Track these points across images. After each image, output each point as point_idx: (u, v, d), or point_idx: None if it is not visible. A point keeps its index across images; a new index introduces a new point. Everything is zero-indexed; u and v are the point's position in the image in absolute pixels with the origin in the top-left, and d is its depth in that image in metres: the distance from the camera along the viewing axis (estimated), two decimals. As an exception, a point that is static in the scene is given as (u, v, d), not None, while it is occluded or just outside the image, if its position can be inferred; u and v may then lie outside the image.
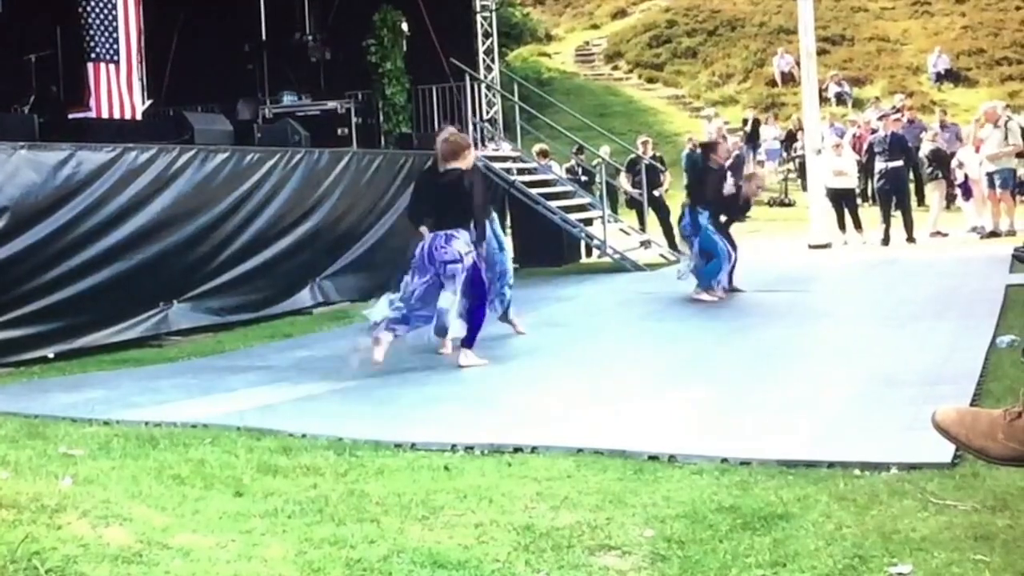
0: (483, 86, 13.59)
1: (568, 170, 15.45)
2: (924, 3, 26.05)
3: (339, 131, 12.22)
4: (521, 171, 13.50)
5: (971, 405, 4.45)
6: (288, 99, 12.88)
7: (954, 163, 14.23)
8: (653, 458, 3.89)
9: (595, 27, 28.76)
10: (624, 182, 14.32)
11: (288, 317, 9.19)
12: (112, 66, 8.71)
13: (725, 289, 8.94)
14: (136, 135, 8.49)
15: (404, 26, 12.63)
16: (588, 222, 12.89)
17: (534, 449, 4.10)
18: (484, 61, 13.84)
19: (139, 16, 9.38)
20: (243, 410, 5.06)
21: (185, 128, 8.90)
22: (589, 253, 13.81)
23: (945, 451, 3.50)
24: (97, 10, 8.64)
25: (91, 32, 8.83)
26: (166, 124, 9.82)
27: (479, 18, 13.91)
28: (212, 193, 8.62)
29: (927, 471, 3.52)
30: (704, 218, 8.96)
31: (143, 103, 9.79)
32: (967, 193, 14.03)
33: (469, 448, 4.17)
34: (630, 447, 4.02)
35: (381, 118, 12.59)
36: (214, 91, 12.65)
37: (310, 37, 13.28)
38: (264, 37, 13.69)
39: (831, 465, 3.67)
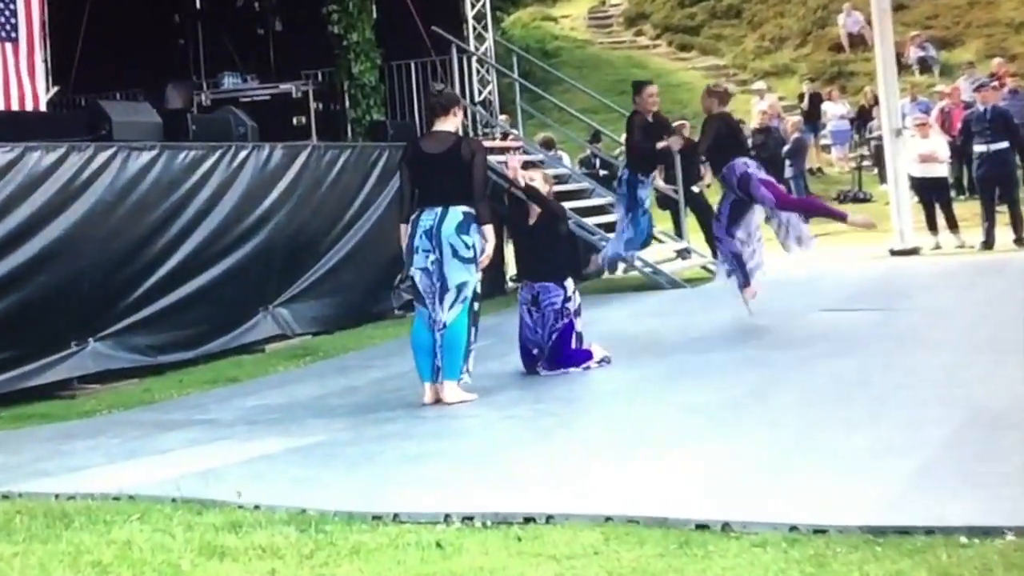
0: (474, 60, 13.64)
1: (582, 162, 15.51)
2: (1027, -58, 26.18)
3: (295, 120, 12.30)
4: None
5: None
6: (230, 81, 12.96)
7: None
8: (702, 527, 3.88)
9: (613, -18, 28.95)
10: (656, 177, 14.32)
11: (234, 356, 9.20)
12: (9, 45, 8.76)
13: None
14: (40, 130, 8.52)
15: (374, -12, 12.71)
16: (610, 228, 12.88)
17: (550, 519, 4.09)
18: (475, 29, 13.91)
19: (43, -18, 9.45)
20: (179, 476, 5.05)
21: (101, 121, 8.93)
22: (613, 267, 13.79)
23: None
24: (-12, -24, 8.72)
25: (-19, 4, 8.90)
26: (77, 116, 9.87)
27: (467, -24, 14.00)
28: (137, 202, 8.65)
29: (1052, 537, 3.49)
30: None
31: (47, 91, 9.83)
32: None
33: (467, 519, 4.16)
34: (672, 513, 4.02)
35: (347, 103, 12.63)
36: (137, 74, 12.73)
37: (257, 4, 13.35)
38: (199, 5, 13.77)
39: (929, 532, 3.65)
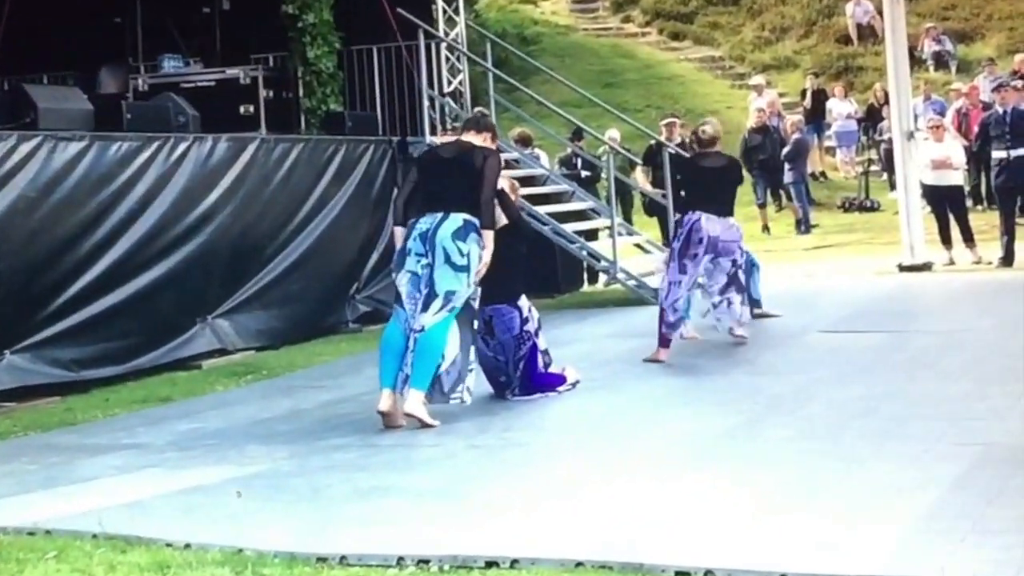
0: (443, 47, 13.68)
1: (562, 162, 15.56)
2: (1054, -73, 26.47)
3: (242, 109, 12.29)
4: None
5: None
6: (171, 65, 12.94)
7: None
8: (682, 574, 3.91)
9: (600, -37, 29.09)
10: (641, 180, 14.40)
11: (168, 373, 9.20)
12: (-80, 21, 8.71)
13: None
14: (-46, 118, 8.51)
15: (333, -37, 12.73)
16: (591, 235, 12.93)
17: (514, 563, 4.12)
18: (445, 13, 13.95)
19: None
20: (102, 509, 5.04)
21: (25, 107, 8.91)
22: (593, 279, 13.86)
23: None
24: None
25: None
26: (-1, 101, 9.82)
27: (438, -48, 14.03)
28: (63, 198, 8.64)
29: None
30: None
31: (-36, 72, 9.78)
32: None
33: (423, 562, 4.19)
34: (649, 559, 4.04)
35: (301, 91, 12.66)
36: (67, 55, 12.68)
37: (203, -21, 13.35)
38: (138, -20, 13.74)
39: (936, 585, 3.69)
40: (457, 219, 6.87)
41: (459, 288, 6.84)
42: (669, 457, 5.79)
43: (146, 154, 9.36)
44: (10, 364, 8.21)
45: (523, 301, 7.56)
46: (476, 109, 7.89)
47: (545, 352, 7.59)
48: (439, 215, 6.90)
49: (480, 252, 6.88)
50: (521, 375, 7.45)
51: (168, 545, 4.48)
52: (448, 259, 6.81)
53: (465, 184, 6.96)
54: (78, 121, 9.18)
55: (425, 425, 6.62)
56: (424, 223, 6.92)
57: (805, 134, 18.65)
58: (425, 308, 6.79)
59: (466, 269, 6.84)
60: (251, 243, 10.42)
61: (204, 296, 9.89)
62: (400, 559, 4.20)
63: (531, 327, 7.49)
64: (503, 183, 7.61)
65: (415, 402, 6.65)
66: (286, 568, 4.17)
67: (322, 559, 4.25)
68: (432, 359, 6.72)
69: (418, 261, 6.88)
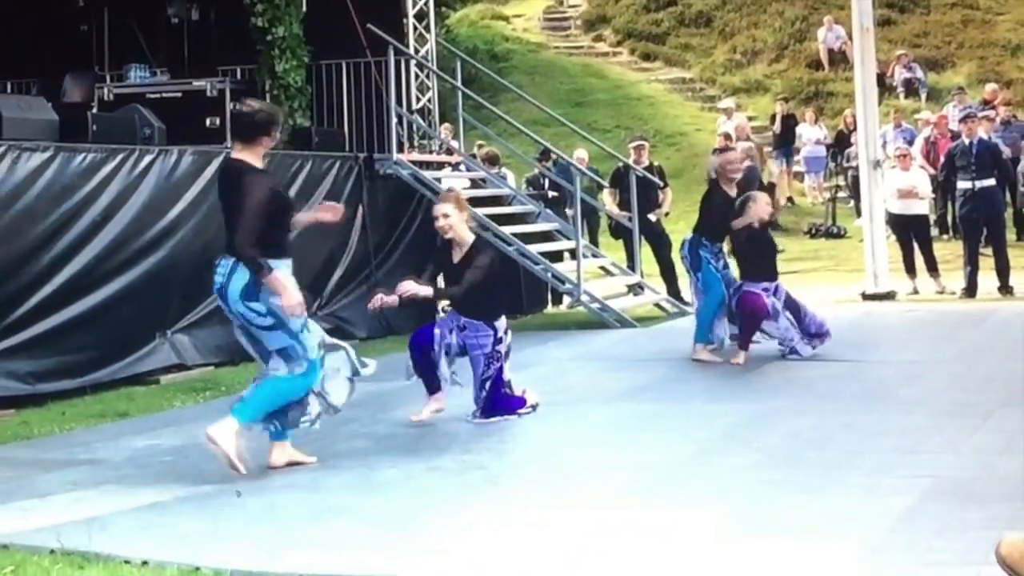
0: (412, 63, 13.78)
1: (529, 182, 15.68)
2: (1026, -42, 26.82)
3: (208, 122, 12.35)
4: (465, 183, 13.66)
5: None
6: (137, 75, 13.00)
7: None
8: (633, 602, 4.00)
9: (572, -20, 29.26)
10: (608, 201, 14.53)
11: (125, 387, 9.20)
12: None
13: (720, 344, 9.74)
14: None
15: (304, -22, 12.82)
16: (556, 257, 13.04)
17: (471, 587, 4.20)
18: (415, 29, 14.05)
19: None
20: (60, 525, 5.08)
21: (-12, 117, 8.93)
22: (557, 300, 13.96)
23: (1029, 596, 3.64)
24: None
25: None
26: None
27: (409, -31, 14.15)
28: (24, 209, 8.66)
29: (1005, 624, 3.66)
30: (707, 251, 9.75)
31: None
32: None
33: (380, 585, 4.25)
34: (603, 585, 4.13)
35: (268, 104, 12.69)
36: (31, 63, 12.70)
37: (171, -10, 13.42)
38: (105, -12, 13.79)
39: (876, 614, 3.80)
40: (241, 273, 6.11)
41: (287, 341, 6.21)
42: (629, 483, 5.85)
43: (110, 166, 9.38)
44: (-35, 375, 8.24)
45: (500, 322, 7.62)
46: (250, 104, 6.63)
47: (508, 381, 7.66)
48: (227, 263, 6.20)
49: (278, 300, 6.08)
50: (486, 397, 7.54)
51: (126, 562, 4.52)
52: (251, 324, 6.20)
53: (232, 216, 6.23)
54: (43, 131, 9.20)
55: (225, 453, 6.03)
56: (217, 275, 6.24)
57: (755, 163, 18.66)
58: (267, 362, 6.30)
59: (278, 322, 6.16)
60: (212, 257, 10.10)
61: (164, 310, 9.90)
62: (357, 582, 4.28)
63: (502, 348, 7.57)
64: (451, 217, 7.43)
65: (223, 432, 6.03)
66: (243, 587, 4.25)
67: (279, 578, 4.31)
68: (272, 399, 6.24)
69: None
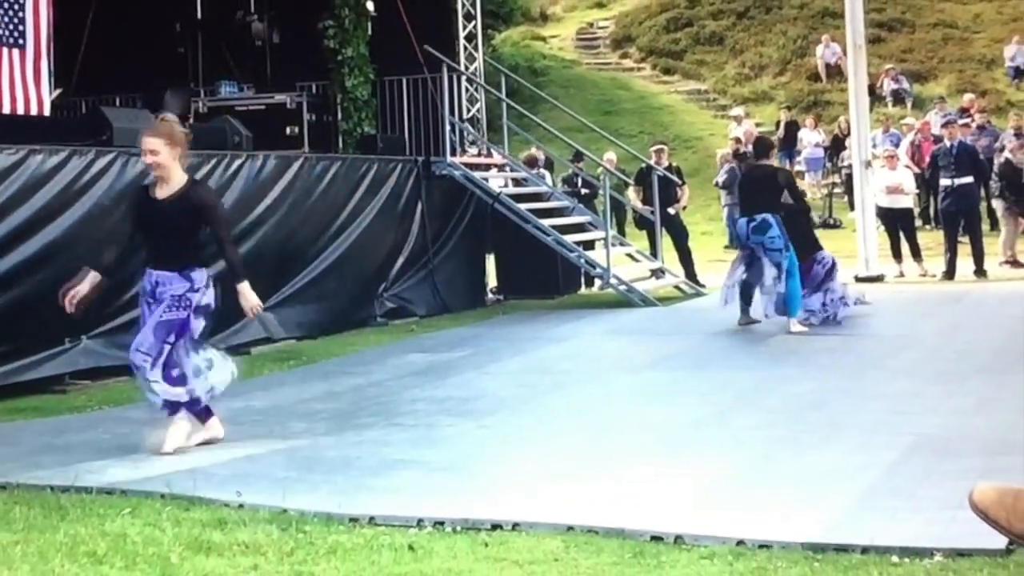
0: (463, 79, 13.83)
1: (565, 181, 15.70)
2: (1001, -18, 26.51)
3: (288, 130, 12.43)
4: (508, 182, 13.71)
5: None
6: (227, 90, 13.09)
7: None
8: (656, 539, 4.05)
9: (600, 6, 29.16)
10: (633, 197, 14.55)
11: (222, 357, 9.32)
12: (16, 52, 8.88)
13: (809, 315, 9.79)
14: (43, 134, 8.64)
15: (370, 5, 12.86)
16: (589, 245, 13.08)
17: (515, 526, 4.25)
18: (465, 49, 14.08)
19: (51, -11, 9.55)
20: (168, 474, 5.19)
21: (102, 126, 9.04)
22: (590, 283, 13.99)
23: (998, 536, 3.67)
24: (-3, -18, 8.84)
25: (-11, 10, 9.01)
26: (79, 121, 10.01)
27: (460, -3, 14.18)
28: (133, 206, 8.76)
29: (977, 559, 3.70)
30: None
31: (51, 94, 9.95)
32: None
33: (439, 524, 4.31)
34: (629, 525, 4.19)
35: (339, 115, 12.79)
36: (137, 79, 12.81)
37: (255, 16, 13.50)
38: (199, 15, 13.90)
39: (865, 550, 3.85)
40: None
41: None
42: (650, 441, 5.88)
43: (205, 169, 9.45)
44: (86, 348, 8.30)
45: (198, 274, 5.97)
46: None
47: (198, 344, 6.05)
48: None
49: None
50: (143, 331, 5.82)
51: (225, 505, 4.62)
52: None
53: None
54: (148, 139, 9.33)
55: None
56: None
57: (736, 165, 18.48)
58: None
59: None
60: (294, 247, 10.54)
61: (254, 291, 9.98)
62: (420, 521, 4.33)
63: (196, 298, 5.95)
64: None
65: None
66: (323, 526, 4.31)
67: (354, 519, 4.38)
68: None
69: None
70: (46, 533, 4.19)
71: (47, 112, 9.34)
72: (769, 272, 9.46)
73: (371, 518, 4.40)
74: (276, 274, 10.29)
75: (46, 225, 8.09)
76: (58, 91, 10.84)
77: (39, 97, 9.08)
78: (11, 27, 8.71)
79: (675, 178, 14.20)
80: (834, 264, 10.12)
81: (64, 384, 8.09)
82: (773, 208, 9.56)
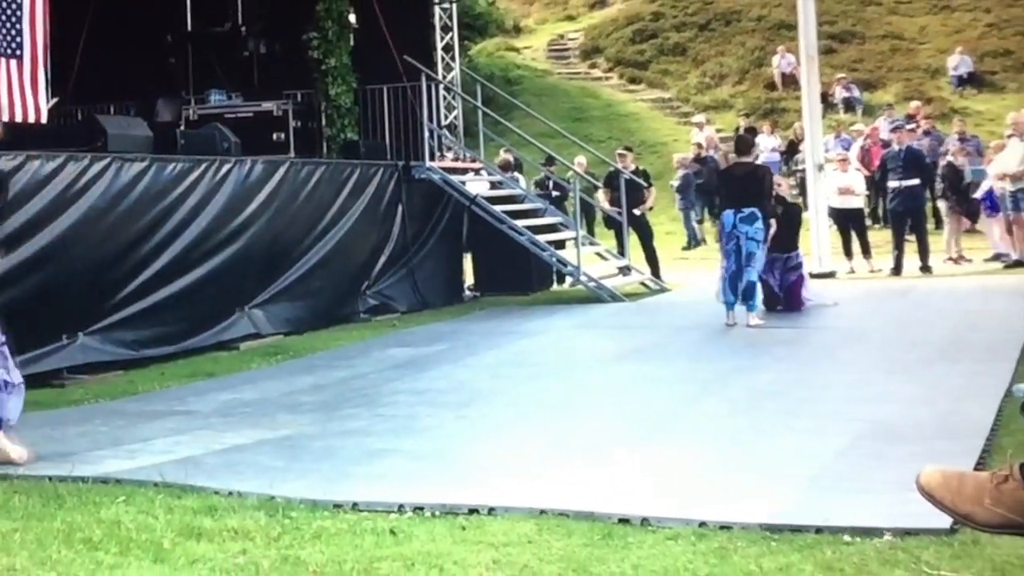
0: (441, 88, 13.80)
1: (537, 184, 15.70)
2: (944, -4, 26.70)
3: (275, 136, 12.38)
4: (485, 185, 13.70)
5: (978, 462, 4.70)
6: (216, 98, 13.02)
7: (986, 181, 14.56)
8: (624, 521, 4.05)
9: (570, 18, 29.17)
10: (603, 199, 14.56)
11: (211, 352, 9.27)
12: (14, 62, 8.78)
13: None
14: (40, 141, 8.57)
15: (352, 18, 12.82)
16: (560, 245, 13.09)
17: (491, 510, 4.24)
18: (443, 59, 14.07)
19: (47, 2, 9.45)
20: (161, 463, 5.16)
21: (97, 133, 8.99)
22: (561, 280, 14.01)
23: (943, 516, 3.69)
24: (-6, -6, 8.72)
25: (-12, 21, 8.89)
26: (75, 128, 9.93)
27: (437, 10, 14.16)
28: (127, 209, 8.72)
29: (923, 538, 3.72)
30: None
31: (48, 102, 9.85)
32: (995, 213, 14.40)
33: (418, 509, 4.30)
34: (599, 508, 4.18)
35: (323, 122, 12.74)
36: (130, 88, 12.75)
37: (243, 28, 13.42)
38: (189, 27, 13.81)
39: (819, 530, 3.86)
40: None
41: None
42: (618, 429, 5.88)
43: (195, 173, 9.42)
44: (83, 344, 8.26)
45: None
46: None
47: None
48: None
49: None
50: None
51: (215, 492, 4.60)
52: None
53: None
54: (140, 145, 9.25)
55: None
56: None
57: (690, 170, 18.54)
58: None
59: None
60: (281, 247, 10.50)
61: (241, 290, 9.95)
62: (400, 506, 4.32)
63: None
64: None
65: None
66: (309, 512, 4.29)
67: (338, 505, 4.37)
68: None
69: None
70: (44, 521, 4.16)
71: (44, 120, 9.24)
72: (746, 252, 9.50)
73: (354, 504, 4.38)
74: (264, 273, 10.26)
75: (44, 228, 8.03)
76: (55, 100, 10.73)
77: (36, 106, 8.96)
78: (9, 38, 8.60)
79: (641, 181, 14.22)
80: (801, 264, 10.21)
81: (62, 379, 8.03)
82: (760, 203, 9.53)
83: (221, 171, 9.74)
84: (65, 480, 4.87)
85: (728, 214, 9.63)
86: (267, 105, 12.58)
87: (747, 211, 9.49)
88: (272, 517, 4.21)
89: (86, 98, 12.46)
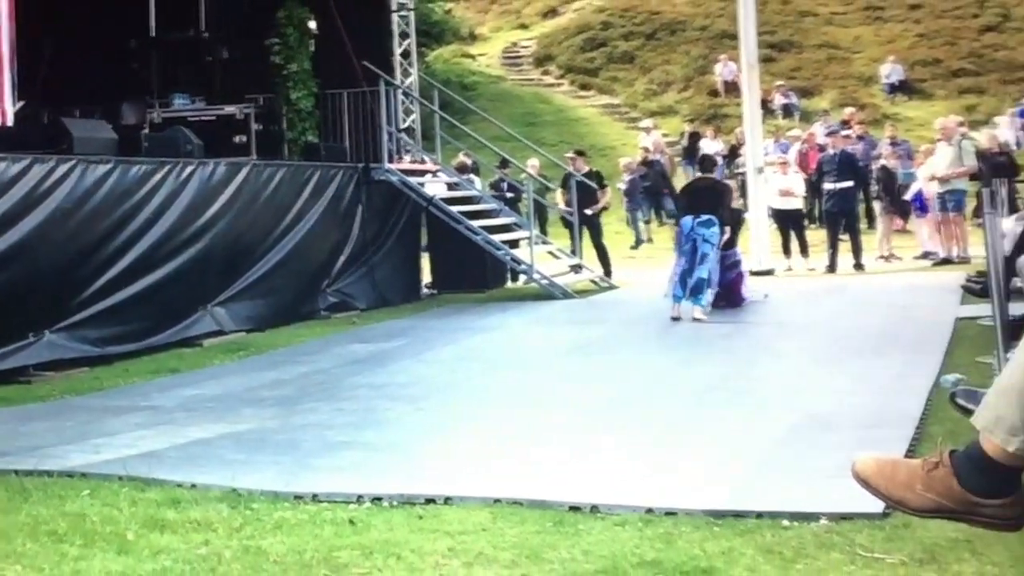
0: (399, 92, 13.74)
1: (492, 186, 15.70)
2: (877, 8, 27.04)
3: (237, 139, 12.24)
4: (442, 187, 13.66)
5: (909, 449, 4.76)
6: (180, 102, 12.84)
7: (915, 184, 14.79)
8: (575, 508, 4.06)
9: (523, 27, 29.18)
10: (559, 199, 14.60)
11: (175, 349, 9.16)
12: (-21, 65, 8.63)
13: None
14: (6, 143, 8.41)
15: (312, 24, 12.74)
16: (514, 244, 13.10)
17: (447, 500, 4.23)
18: (401, 65, 14.01)
19: (11, 5, 9.28)
20: (125, 457, 5.08)
21: (63, 136, 8.83)
22: (515, 278, 14.01)
23: (877, 501, 3.73)
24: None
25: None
26: (41, 131, 9.73)
27: (396, 17, 14.09)
28: (92, 210, 8.58)
29: (857, 522, 3.76)
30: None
31: (14, 105, 9.68)
32: (924, 214, 14.63)
33: (377, 499, 4.27)
34: (551, 497, 4.19)
35: (285, 125, 12.64)
36: (95, 92, 12.52)
37: (206, 34, 13.27)
38: (153, 32, 13.62)
39: (759, 516, 3.89)
40: None
41: None
42: (569, 420, 5.89)
43: (159, 175, 9.30)
44: (49, 341, 8.12)
45: None
46: None
47: None
48: None
49: None
50: None
51: (178, 485, 4.54)
52: None
53: None
54: (105, 147, 9.10)
55: None
56: None
57: (637, 177, 18.64)
58: None
59: None
60: (243, 247, 10.40)
61: (204, 288, 9.84)
62: (359, 497, 4.29)
63: None
64: None
65: None
66: (270, 503, 4.25)
67: (298, 497, 4.33)
68: None
69: None
70: (9, 515, 4.08)
71: (10, 123, 9.10)
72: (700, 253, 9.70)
73: (314, 495, 4.34)
74: (226, 271, 10.16)
75: (10, 228, 7.87)
76: (21, 103, 10.56)
77: (2, 109, 8.84)
78: (-26, 42, 8.44)
79: (593, 184, 14.26)
80: (739, 262, 10.51)
81: (29, 375, 7.89)
82: (718, 212, 9.91)
83: (184, 173, 9.62)
84: (31, 474, 4.78)
85: (687, 219, 9.90)
86: (230, 109, 12.44)
87: (705, 217, 9.80)
88: (234, 509, 4.16)
89: (52, 102, 12.21)
